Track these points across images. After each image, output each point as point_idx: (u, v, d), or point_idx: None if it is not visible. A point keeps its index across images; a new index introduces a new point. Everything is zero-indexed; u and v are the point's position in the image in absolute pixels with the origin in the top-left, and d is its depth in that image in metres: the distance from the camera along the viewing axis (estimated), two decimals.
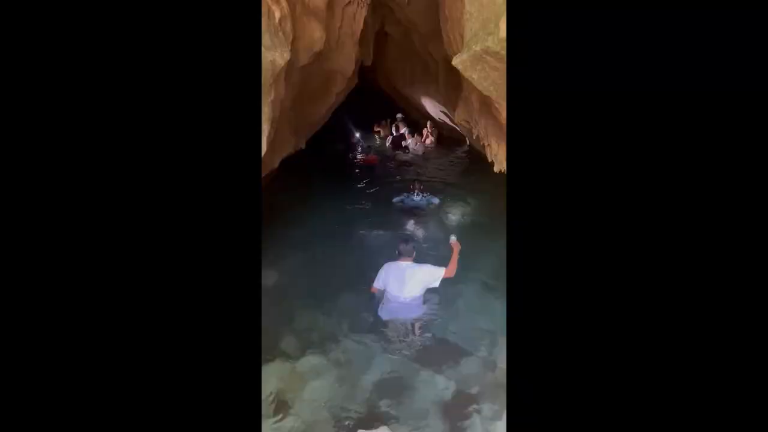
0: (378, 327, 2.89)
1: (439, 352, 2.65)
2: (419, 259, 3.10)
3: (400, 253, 3.03)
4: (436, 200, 5.10)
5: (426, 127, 8.61)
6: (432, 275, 2.92)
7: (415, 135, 8.35)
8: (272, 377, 2.43)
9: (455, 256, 3.05)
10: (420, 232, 4.57)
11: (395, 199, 5.14)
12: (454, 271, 2.99)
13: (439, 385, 2.41)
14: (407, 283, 2.88)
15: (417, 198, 4.98)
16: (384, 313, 2.91)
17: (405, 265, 2.95)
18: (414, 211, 4.97)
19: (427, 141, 8.39)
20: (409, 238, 3.30)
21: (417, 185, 5.10)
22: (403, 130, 8.55)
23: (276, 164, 4.02)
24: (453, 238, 3.24)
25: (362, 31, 4.60)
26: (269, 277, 3.51)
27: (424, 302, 2.98)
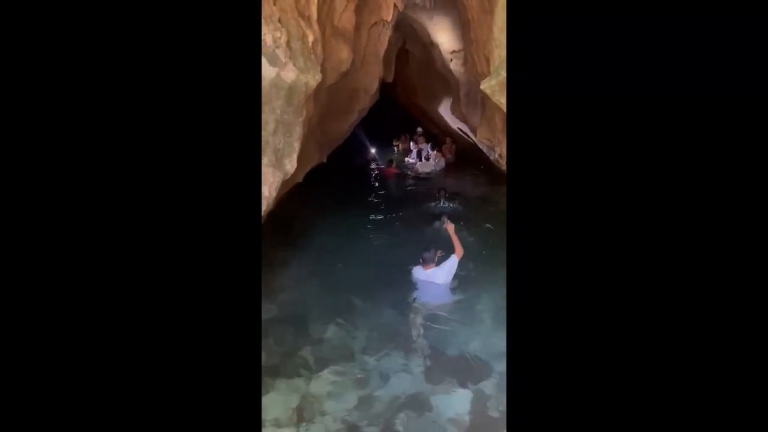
0: (398, 342, 2.91)
1: (459, 370, 2.65)
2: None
3: (424, 261, 3.41)
4: (459, 207, 5.49)
5: (445, 142, 8.67)
6: (451, 267, 3.36)
7: (435, 150, 8.41)
8: (290, 391, 2.46)
9: (454, 237, 3.44)
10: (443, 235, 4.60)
11: (424, 206, 5.56)
12: (461, 249, 3.41)
13: (458, 403, 2.40)
14: (435, 281, 3.39)
15: (443, 204, 5.41)
16: (421, 298, 3.40)
17: (430, 271, 3.40)
18: (440, 217, 5.15)
19: (447, 156, 8.44)
20: (430, 247, 3.57)
21: (443, 193, 5.54)
22: (423, 144, 8.62)
23: (300, 178, 4.12)
24: (445, 222, 3.61)
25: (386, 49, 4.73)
26: (288, 290, 3.57)
27: (451, 289, 3.41)
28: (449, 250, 3.47)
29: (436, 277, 3.36)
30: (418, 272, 3.46)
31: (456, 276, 3.42)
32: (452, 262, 3.34)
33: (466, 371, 2.63)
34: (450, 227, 3.54)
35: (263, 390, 2.44)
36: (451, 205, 5.40)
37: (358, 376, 2.61)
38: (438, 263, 3.40)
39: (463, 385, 2.51)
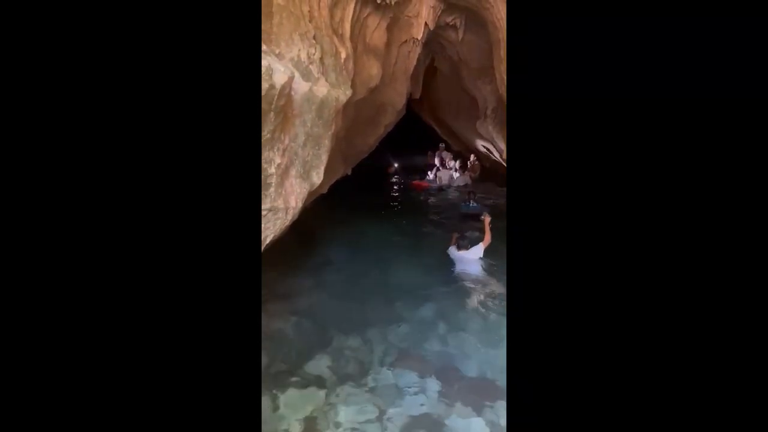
0: (415, 360, 2.88)
1: (474, 392, 2.59)
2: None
3: (459, 246, 4.17)
4: (487, 207, 5.98)
5: (469, 159, 8.69)
6: (480, 250, 4.18)
7: (460, 166, 8.46)
8: (304, 402, 2.45)
9: (487, 228, 4.23)
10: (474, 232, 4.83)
11: (452, 213, 6.30)
12: (489, 238, 4.18)
13: (473, 427, 2.33)
14: (466, 259, 4.20)
15: (472, 205, 6.15)
16: (457, 269, 4.17)
17: (464, 253, 4.19)
18: (470, 216, 5.84)
19: (471, 172, 8.46)
20: (466, 236, 4.40)
21: (472, 195, 6.32)
22: (449, 161, 8.68)
23: (325, 190, 4.19)
24: (484, 215, 4.46)
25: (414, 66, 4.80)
26: (308, 299, 3.59)
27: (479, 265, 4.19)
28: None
29: (468, 255, 4.19)
30: (454, 252, 4.24)
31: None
32: (480, 248, 4.16)
33: (481, 393, 2.56)
34: (487, 219, 4.34)
35: (275, 399, 2.46)
36: (478, 205, 6.05)
37: (375, 390, 2.57)
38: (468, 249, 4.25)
39: (477, 409, 2.46)
